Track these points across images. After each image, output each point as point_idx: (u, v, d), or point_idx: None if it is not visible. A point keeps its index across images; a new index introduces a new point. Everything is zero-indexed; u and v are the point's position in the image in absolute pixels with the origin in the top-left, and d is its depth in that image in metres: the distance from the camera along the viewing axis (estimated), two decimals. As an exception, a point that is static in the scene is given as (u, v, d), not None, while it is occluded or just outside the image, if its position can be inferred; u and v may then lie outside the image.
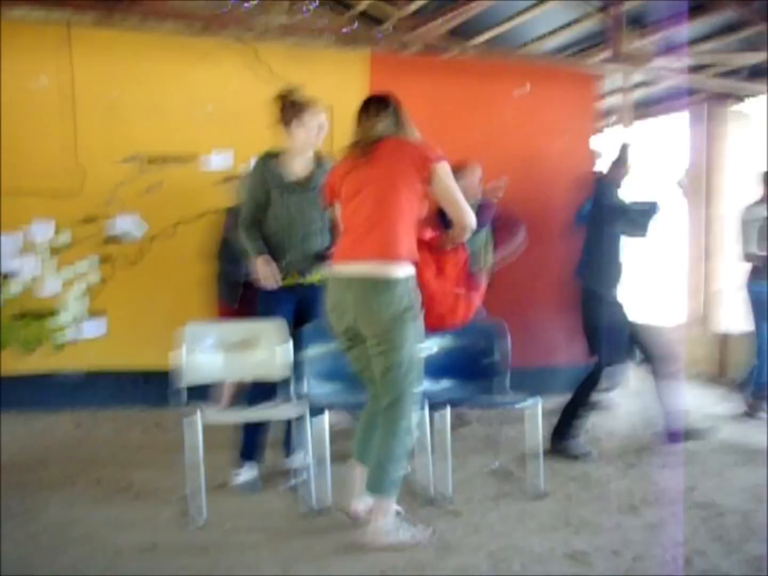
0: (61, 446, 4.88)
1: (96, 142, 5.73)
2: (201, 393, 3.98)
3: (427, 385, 4.32)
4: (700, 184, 7.94)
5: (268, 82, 5.88)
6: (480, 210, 4.66)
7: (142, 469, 4.40)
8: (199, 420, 3.66)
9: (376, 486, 3.33)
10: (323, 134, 4.20)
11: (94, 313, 5.78)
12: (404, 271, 3.32)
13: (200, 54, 5.87)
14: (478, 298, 3.95)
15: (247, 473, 4.16)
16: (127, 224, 5.79)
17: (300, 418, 3.82)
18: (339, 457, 3.90)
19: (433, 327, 3.66)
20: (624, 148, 5.06)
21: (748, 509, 3.84)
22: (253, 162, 4.33)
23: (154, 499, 3.92)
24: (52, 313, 5.70)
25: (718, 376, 7.32)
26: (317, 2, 7.38)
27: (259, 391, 4.14)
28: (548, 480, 4.16)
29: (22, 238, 5.64)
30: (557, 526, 3.61)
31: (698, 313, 7.97)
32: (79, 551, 3.25)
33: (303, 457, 4.01)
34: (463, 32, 7.15)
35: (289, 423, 4.19)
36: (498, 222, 5.19)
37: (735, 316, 7.04)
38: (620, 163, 5.01)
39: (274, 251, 4.13)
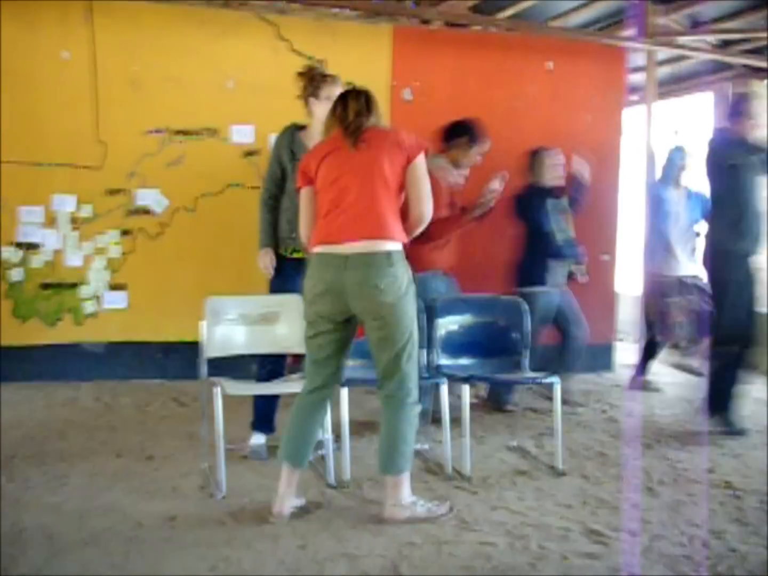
0: (82, 418, 4.92)
1: (118, 115, 5.74)
2: (222, 366, 3.99)
3: (448, 361, 4.36)
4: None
5: (290, 57, 5.88)
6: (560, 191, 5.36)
7: (162, 441, 4.43)
8: (219, 392, 3.68)
9: (390, 465, 3.34)
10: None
11: (115, 286, 5.81)
12: (400, 248, 3.32)
13: (222, 28, 5.85)
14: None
15: (254, 440, 4.21)
16: (149, 198, 5.81)
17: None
18: (357, 432, 3.92)
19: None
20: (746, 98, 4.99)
21: (766, 492, 3.83)
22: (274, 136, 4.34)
23: (175, 470, 3.95)
24: (74, 285, 5.75)
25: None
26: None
27: (271, 365, 4.20)
28: (566, 459, 4.16)
29: (44, 211, 5.68)
30: (575, 505, 3.62)
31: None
32: (100, 521, 3.29)
33: (320, 433, 4.03)
34: (486, 8, 7.09)
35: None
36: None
37: None
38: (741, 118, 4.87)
39: (289, 224, 4.16)
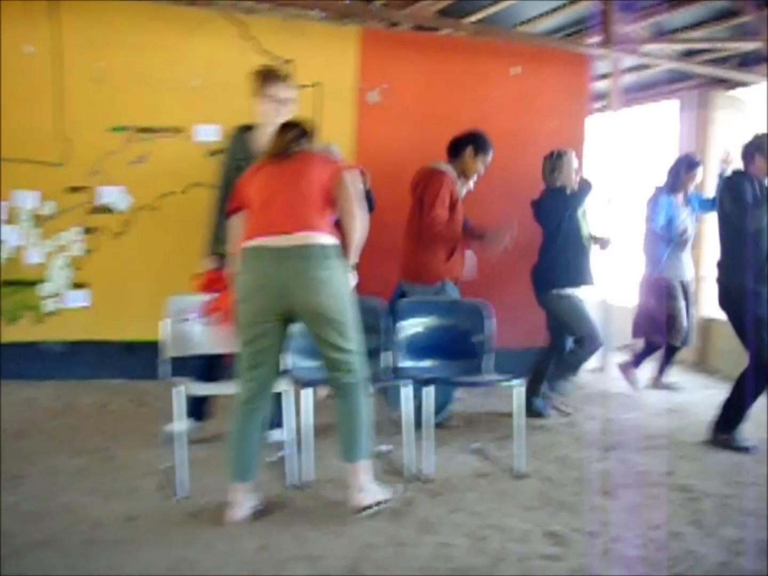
0: (42, 417, 4.86)
1: (83, 111, 5.68)
2: (187, 365, 3.97)
3: (411, 363, 4.37)
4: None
5: (257, 57, 5.86)
6: (579, 191, 5.38)
7: (123, 441, 4.40)
8: (181, 393, 3.66)
9: (353, 454, 3.38)
10: (285, 109, 4.18)
11: (77, 284, 5.75)
12: (336, 243, 3.35)
13: (189, 26, 5.82)
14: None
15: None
16: (112, 195, 5.75)
17: (283, 394, 3.81)
18: (322, 432, 3.91)
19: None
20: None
21: (724, 494, 3.88)
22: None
23: (136, 470, 3.91)
24: (35, 283, 5.68)
25: (699, 362, 7.37)
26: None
27: (205, 365, 4.24)
28: (528, 461, 4.19)
29: (5, 207, 5.60)
30: (536, 506, 3.64)
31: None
32: (59, 521, 3.25)
33: (282, 433, 4.02)
34: (454, 11, 7.12)
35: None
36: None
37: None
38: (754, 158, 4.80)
39: None
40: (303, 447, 3.87)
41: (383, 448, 4.22)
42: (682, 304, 6.10)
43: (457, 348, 4.46)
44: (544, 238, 5.41)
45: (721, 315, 4.85)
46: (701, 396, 6.12)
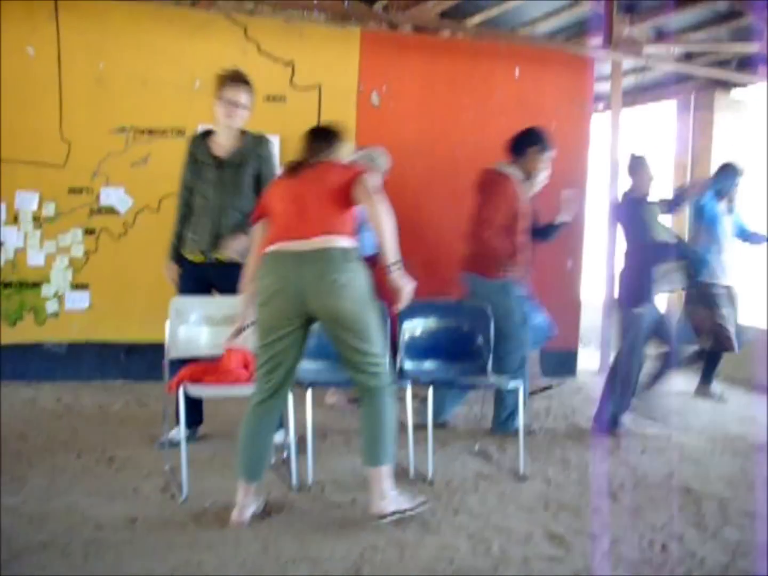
0: (42, 418, 4.86)
1: (83, 113, 5.69)
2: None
3: (410, 365, 4.37)
4: (686, 173, 7.97)
5: (258, 58, 5.88)
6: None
7: (124, 443, 4.39)
8: (183, 394, 3.66)
9: (376, 458, 3.35)
10: (237, 112, 4.22)
11: (78, 285, 5.75)
12: (356, 247, 3.36)
13: (190, 27, 5.83)
14: None
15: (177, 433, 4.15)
16: (113, 197, 5.76)
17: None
18: (323, 434, 3.92)
19: None
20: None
21: (725, 496, 3.89)
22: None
23: (136, 472, 3.91)
24: (36, 285, 5.68)
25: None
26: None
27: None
28: (528, 463, 4.19)
29: (6, 209, 5.60)
30: (537, 508, 3.64)
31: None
32: (59, 523, 3.25)
33: (282, 436, 4.03)
34: (455, 14, 7.12)
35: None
36: None
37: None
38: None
39: (192, 227, 4.28)
40: (300, 449, 3.86)
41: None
42: (729, 310, 6.00)
43: (459, 350, 4.46)
44: (627, 247, 5.25)
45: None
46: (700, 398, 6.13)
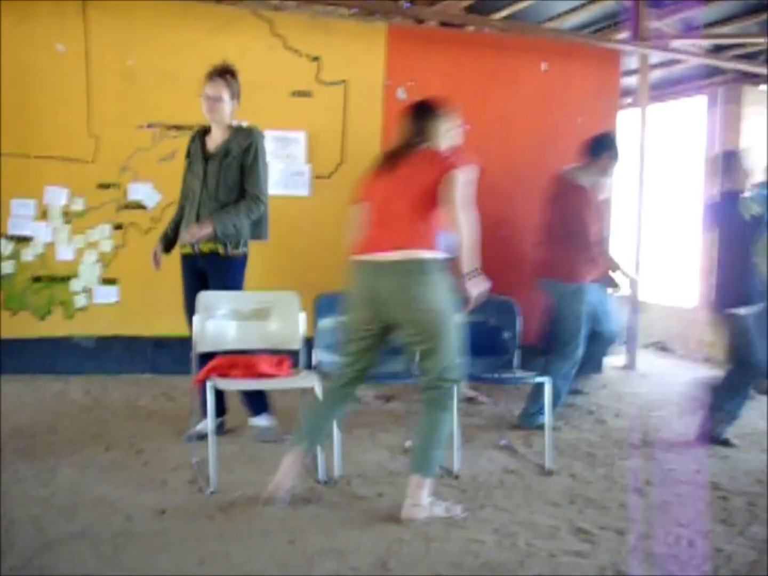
0: (71, 412, 4.91)
1: (111, 109, 5.74)
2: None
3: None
4: (716, 166, 7.88)
5: (285, 54, 5.89)
6: None
7: (152, 435, 4.43)
8: (211, 388, 3.69)
9: (423, 467, 3.37)
10: (216, 106, 4.28)
11: (106, 280, 5.81)
12: (433, 254, 3.35)
13: (217, 23, 5.85)
14: None
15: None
16: (141, 192, 5.80)
17: (311, 390, 3.83)
18: (347, 428, 3.93)
19: None
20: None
21: (752, 492, 3.86)
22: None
23: (164, 465, 3.95)
24: (66, 279, 5.74)
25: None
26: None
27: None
28: (554, 458, 4.18)
29: (36, 204, 5.66)
30: (562, 503, 3.64)
31: (710, 297, 7.93)
32: (89, 515, 3.29)
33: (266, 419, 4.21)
34: (481, 8, 7.11)
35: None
36: None
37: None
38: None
39: (184, 221, 4.41)
40: (331, 442, 3.88)
41: (408, 444, 4.22)
42: None
43: (486, 344, 4.46)
44: (720, 246, 4.96)
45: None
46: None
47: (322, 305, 4.19)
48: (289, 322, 4.07)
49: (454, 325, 3.42)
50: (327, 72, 6.05)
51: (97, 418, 4.77)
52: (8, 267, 5.64)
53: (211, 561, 2.90)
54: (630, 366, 6.86)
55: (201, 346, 3.96)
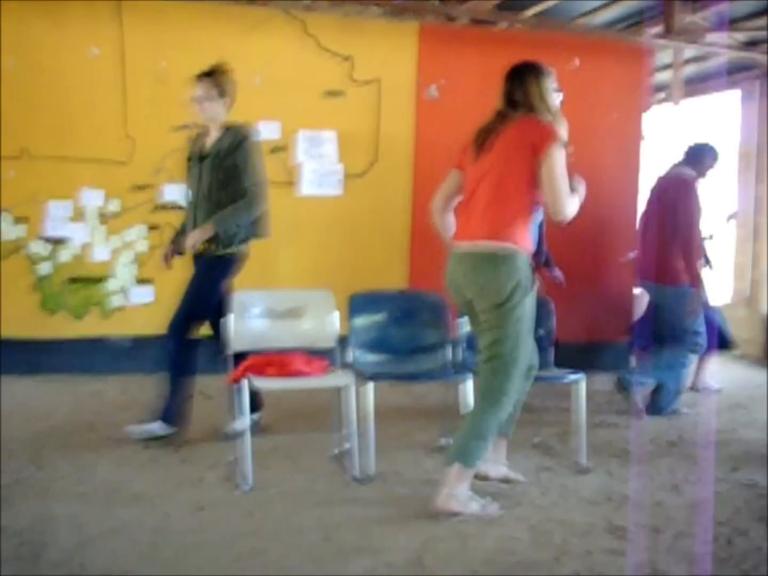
0: (109, 410, 4.98)
1: (145, 111, 5.80)
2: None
3: (471, 356, 4.36)
4: (751, 163, 7.82)
5: (317, 54, 5.91)
6: None
7: (188, 433, 4.45)
8: (246, 386, 3.72)
9: (465, 456, 3.35)
10: (202, 106, 4.32)
11: (142, 280, 5.87)
12: (512, 250, 3.31)
13: (249, 24, 5.89)
14: None
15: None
16: (176, 193, 5.85)
17: (345, 388, 3.84)
18: (382, 426, 3.94)
19: None
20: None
21: (791, 491, 3.82)
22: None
23: (201, 462, 3.99)
24: (102, 279, 5.81)
25: (763, 357, 7.24)
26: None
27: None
28: (590, 456, 4.16)
29: (73, 206, 5.73)
30: (598, 501, 3.62)
31: (744, 294, 7.87)
32: (128, 512, 3.33)
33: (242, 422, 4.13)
34: (511, 5, 7.09)
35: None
36: None
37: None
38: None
39: (186, 222, 4.47)
40: (362, 441, 3.89)
41: (443, 441, 4.23)
42: None
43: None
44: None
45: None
46: (763, 392, 6.01)
47: (357, 304, 4.20)
48: (323, 321, 4.09)
49: (525, 323, 3.36)
50: (359, 71, 6.07)
51: (134, 417, 4.80)
52: (45, 268, 5.72)
53: (247, 558, 2.93)
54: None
55: (236, 345, 3.99)
